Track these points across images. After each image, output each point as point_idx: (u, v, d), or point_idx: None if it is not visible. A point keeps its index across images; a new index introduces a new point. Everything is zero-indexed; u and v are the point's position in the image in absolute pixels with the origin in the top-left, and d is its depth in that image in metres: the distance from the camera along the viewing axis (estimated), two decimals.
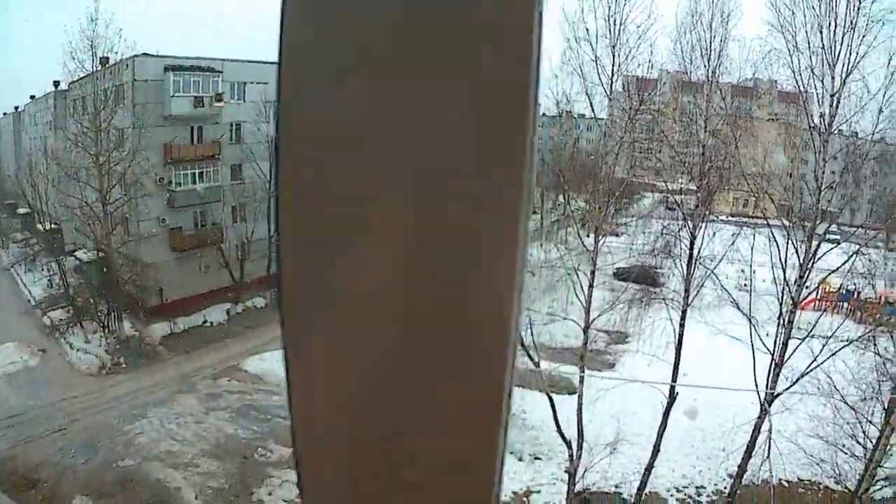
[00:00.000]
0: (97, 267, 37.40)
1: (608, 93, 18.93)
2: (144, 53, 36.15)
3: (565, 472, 20.61)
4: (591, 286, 19.13)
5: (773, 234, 17.95)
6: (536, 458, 24.23)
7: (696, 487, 23.77)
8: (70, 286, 37.89)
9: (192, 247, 39.75)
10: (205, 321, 39.10)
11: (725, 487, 22.06)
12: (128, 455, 25.07)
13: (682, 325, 19.79)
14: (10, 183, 75.63)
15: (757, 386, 18.26)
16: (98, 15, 34.03)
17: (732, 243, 19.08)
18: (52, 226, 50.61)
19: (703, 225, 19.17)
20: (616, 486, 22.98)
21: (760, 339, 18.05)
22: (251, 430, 27.00)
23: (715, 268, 19.21)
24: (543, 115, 65.53)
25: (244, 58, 40.70)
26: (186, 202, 38.91)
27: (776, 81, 19.60)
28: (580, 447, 19.72)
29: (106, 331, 35.50)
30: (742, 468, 19.59)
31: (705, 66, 18.75)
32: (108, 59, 35.65)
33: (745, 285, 18.99)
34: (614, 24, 18.26)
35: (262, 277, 42.14)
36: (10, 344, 34.80)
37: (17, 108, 73.39)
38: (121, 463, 24.58)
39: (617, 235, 23.20)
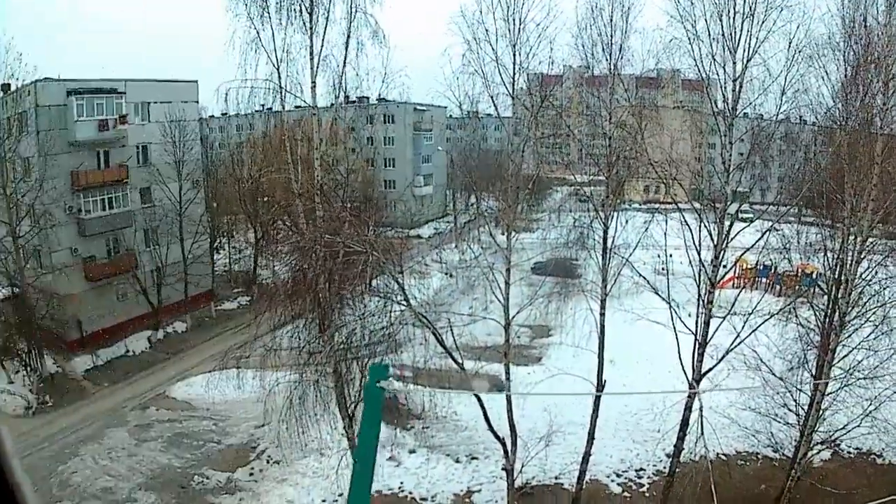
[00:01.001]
0: (13, 303, 36.04)
1: (510, 92, 18.99)
2: (46, 78, 35.19)
3: (503, 469, 20.71)
4: (507, 283, 19.14)
5: (684, 218, 18.32)
6: (473, 458, 24.36)
7: (636, 470, 24.29)
8: None
9: (107, 275, 38.85)
10: (127, 351, 38.37)
11: (664, 467, 22.47)
12: (64, 496, 24.37)
13: (602, 315, 20.01)
14: None
15: (683, 366, 18.56)
16: None
17: (646, 230, 19.34)
18: None
19: (615, 214, 19.50)
20: (556, 478, 23.28)
21: (682, 321, 18.39)
22: (185, 457, 26.50)
23: (630, 255, 19.53)
24: (450, 116, 66.16)
25: (146, 77, 40.16)
26: (97, 230, 37.99)
27: (679, 70, 19.94)
28: (514, 443, 19.80)
29: (28, 369, 34.31)
30: (678, 447, 19.86)
31: (607, 60, 18.98)
32: (9, 85, 34.72)
33: (663, 270, 19.29)
34: (514, 24, 18.17)
35: (180, 301, 41.78)
36: None
37: None
38: None
39: (531, 231, 23.26)
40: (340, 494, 22.04)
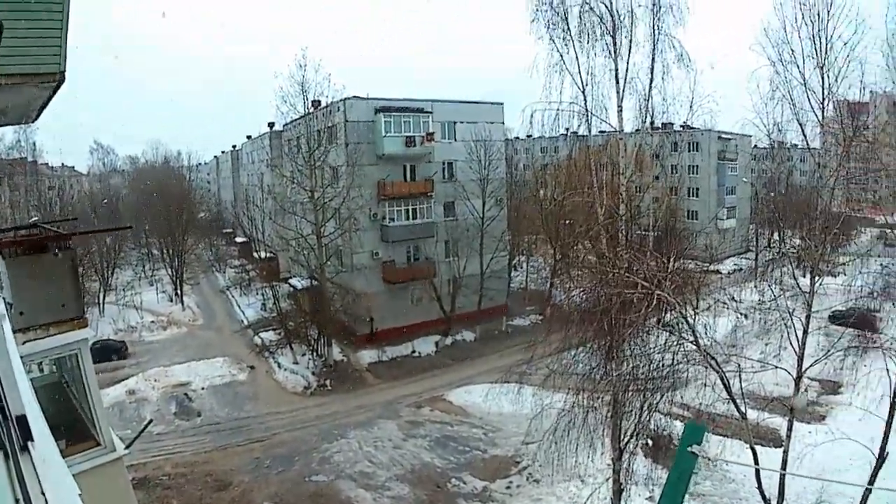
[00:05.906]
0: (310, 294, 40.26)
1: (820, 119, 17.37)
2: (355, 96, 38.91)
3: None
4: (805, 331, 17.61)
5: None
6: None
7: None
8: (282, 310, 41.14)
9: (404, 279, 41.71)
10: (413, 351, 40.81)
11: None
12: (322, 471, 26.35)
13: None
14: (228, 214, 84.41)
15: None
16: (306, 62, 37.27)
17: None
18: (268, 254, 55.50)
19: None
20: None
21: None
22: (447, 459, 27.38)
23: None
24: (755, 146, 62.46)
25: (453, 98, 42.64)
26: (399, 237, 40.98)
27: None
28: None
29: (315, 354, 38.14)
30: None
31: None
32: (319, 102, 38.55)
33: None
34: (821, 42, 16.82)
35: (472, 312, 43.68)
36: (221, 358, 38.74)
37: (234, 146, 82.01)
38: (313, 478, 25.89)
39: (834, 276, 21.11)
40: None
